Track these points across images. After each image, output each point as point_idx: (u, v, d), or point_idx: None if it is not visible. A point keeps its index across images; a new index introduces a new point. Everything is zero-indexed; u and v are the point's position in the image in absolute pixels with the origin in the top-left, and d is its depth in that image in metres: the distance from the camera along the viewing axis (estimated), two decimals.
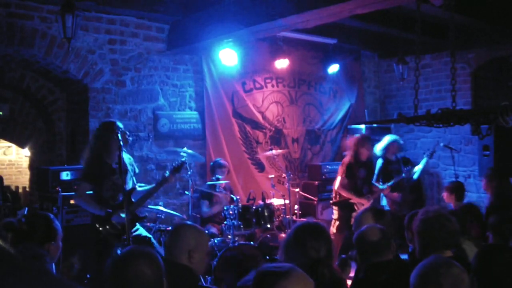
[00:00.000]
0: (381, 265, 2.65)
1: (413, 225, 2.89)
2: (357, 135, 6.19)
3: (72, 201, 4.91)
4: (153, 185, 4.39)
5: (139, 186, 4.41)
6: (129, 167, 4.29)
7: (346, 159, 5.91)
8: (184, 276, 2.35)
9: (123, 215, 3.86)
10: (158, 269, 1.94)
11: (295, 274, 1.78)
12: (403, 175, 6.04)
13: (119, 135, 3.82)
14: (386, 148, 6.22)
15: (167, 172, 4.36)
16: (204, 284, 2.66)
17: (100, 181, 4.07)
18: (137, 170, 4.49)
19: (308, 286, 1.81)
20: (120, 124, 4.17)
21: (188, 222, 2.75)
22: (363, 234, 2.74)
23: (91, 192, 4.09)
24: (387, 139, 6.32)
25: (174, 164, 4.42)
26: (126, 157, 4.32)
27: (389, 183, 5.92)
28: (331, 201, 6.10)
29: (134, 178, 4.35)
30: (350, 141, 6.02)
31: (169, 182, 4.32)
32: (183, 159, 4.44)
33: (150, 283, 1.89)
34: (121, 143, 3.75)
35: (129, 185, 4.25)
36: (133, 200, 4.24)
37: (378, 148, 6.23)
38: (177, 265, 2.36)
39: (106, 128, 4.13)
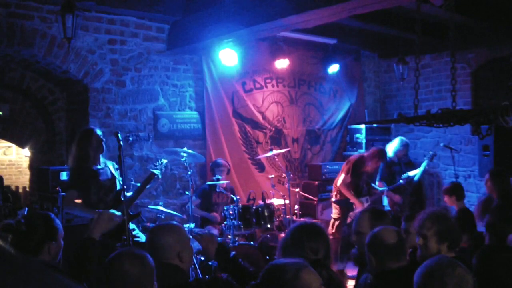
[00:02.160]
0: (398, 272, 2.47)
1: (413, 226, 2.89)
2: (380, 148, 6.12)
3: None
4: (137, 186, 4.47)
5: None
6: (115, 172, 4.33)
7: (354, 157, 5.92)
8: (175, 276, 2.36)
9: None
10: (145, 269, 1.95)
11: (307, 268, 1.85)
12: (401, 181, 6.08)
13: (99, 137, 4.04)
14: (398, 151, 6.26)
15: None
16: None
17: (85, 186, 4.12)
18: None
19: (318, 280, 1.86)
20: (98, 131, 4.24)
21: (165, 223, 2.71)
22: (379, 237, 2.53)
23: (80, 199, 4.13)
24: (397, 141, 6.36)
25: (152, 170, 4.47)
26: (110, 163, 4.38)
27: (389, 188, 5.99)
28: (332, 200, 6.11)
29: (120, 179, 4.39)
30: (373, 150, 5.96)
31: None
32: (154, 171, 4.44)
33: (135, 283, 1.90)
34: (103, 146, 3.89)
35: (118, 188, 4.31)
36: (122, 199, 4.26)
37: (390, 150, 6.25)
38: (167, 266, 2.35)
39: (82, 136, 4.23)
